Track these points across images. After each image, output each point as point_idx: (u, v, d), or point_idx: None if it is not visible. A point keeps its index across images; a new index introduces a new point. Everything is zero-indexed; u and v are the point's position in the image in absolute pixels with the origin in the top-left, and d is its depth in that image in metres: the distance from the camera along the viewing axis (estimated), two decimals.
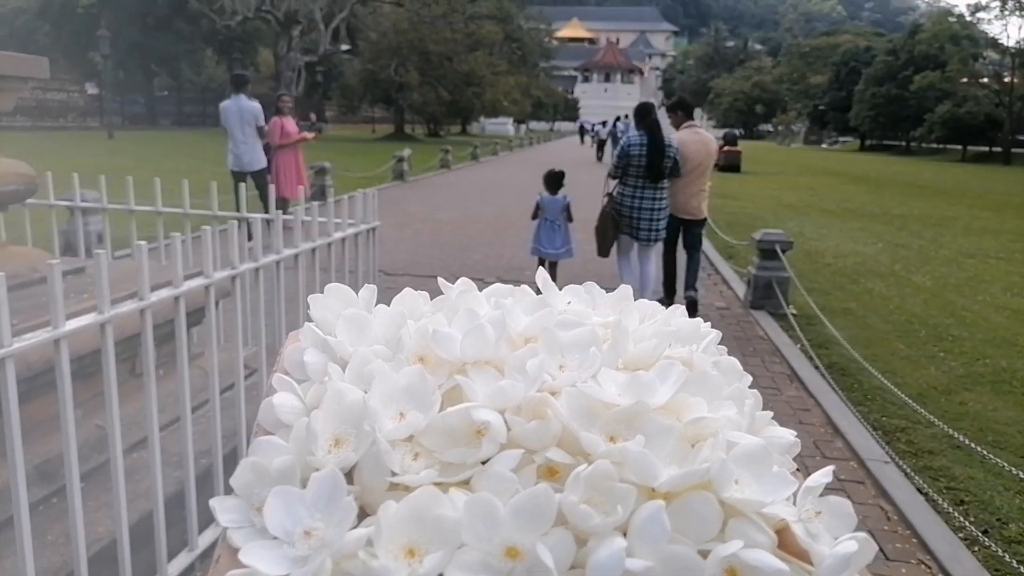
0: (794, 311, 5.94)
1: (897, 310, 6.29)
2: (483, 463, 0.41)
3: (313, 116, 48.00)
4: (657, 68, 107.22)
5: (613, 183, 5.68)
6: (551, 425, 0.41)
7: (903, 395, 3.95)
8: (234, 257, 2.52)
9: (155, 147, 24.29)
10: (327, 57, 40.61)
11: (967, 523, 2.79)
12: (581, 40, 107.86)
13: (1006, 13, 39.17)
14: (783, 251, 6.09)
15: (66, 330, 1.75)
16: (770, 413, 0.47)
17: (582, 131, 51.02)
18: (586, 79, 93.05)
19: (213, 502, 0.43)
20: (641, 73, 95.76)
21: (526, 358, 0.45)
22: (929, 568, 2.54)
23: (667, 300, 6.20)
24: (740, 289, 6.80)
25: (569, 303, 0.58)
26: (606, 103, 75.05)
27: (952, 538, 2.70)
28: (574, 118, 71.83)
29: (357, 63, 43.44)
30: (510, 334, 0.49)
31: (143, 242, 2.08)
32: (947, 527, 2.77)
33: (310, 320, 0.53)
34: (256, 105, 7.81)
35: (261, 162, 7.99)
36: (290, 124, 8.50)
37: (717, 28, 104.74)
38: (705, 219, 6.07)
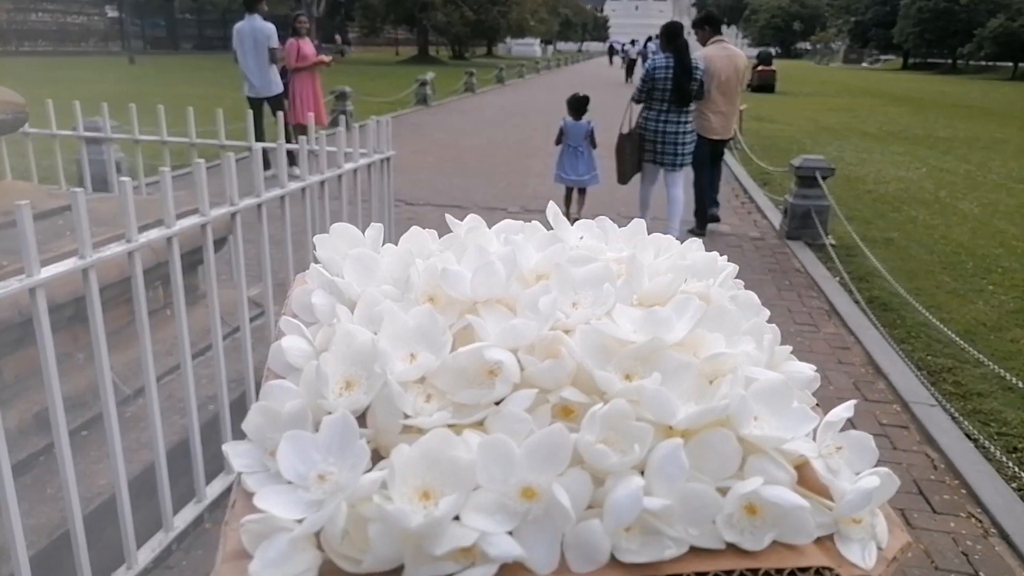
0: (833, 242, 5.65)
1: (943, 240, 5.96)
2: (496, 404, 0.39)
3: (338, 38, 46.92)
4: None
5: (637, 108, 5.49)
6: (565, 364, 0.40)
7: (949, 332, 3.72)
8: (232, 193, 2.34)
9: (176, 72, 23.93)
10: None
11: (1022, 473, 2.61)
12: None
13: None
14: (823, 178, 5.75)
15: (42, 277, 1.60)
16: (789, 348, 0.44)
17: (611, 51, 49.31)
18: None
19: (226, 447, 0.42)
20: None
21: (538, 296, 0.43)
22: (980, 522, 2.38)
23: (700, 230, 5.97)
24: (776, 218, 6.49)
25: (582, 238, 0.56)
26: (637, 22, 72.11)
27: (1005, 489, 2.53)
28: (603, 38, 69.35)
29: None
30: (521, 271, 0.48)
31: (127, 178, 1.90)
32: (999, 477, 2.59)
33: (317, 261, 0.52)
34: (270, 26, 7.46)
35: (277, 87, 7.69)
36: (307, 46, 8.15)
37: None
38: (732, 137, 6.01)
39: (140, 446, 2.27)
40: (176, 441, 2.32)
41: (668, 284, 0.48)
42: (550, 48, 62.16)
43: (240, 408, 2.50)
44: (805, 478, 0.39)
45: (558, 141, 5.94)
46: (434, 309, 0.45)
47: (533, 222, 0.53)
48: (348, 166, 3.16)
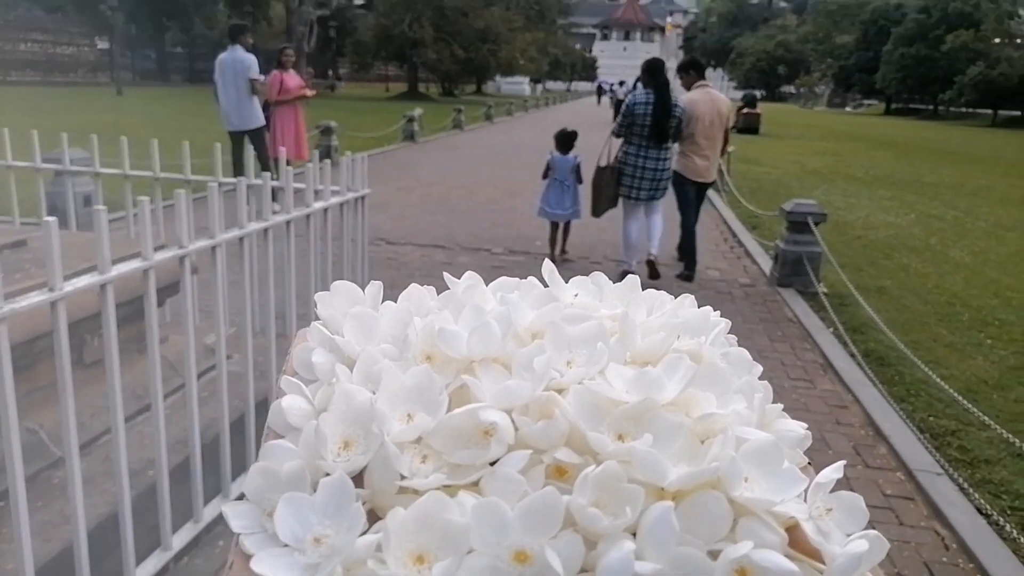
0: (825, 290, 5.49)
1: (936, 289, 5.82)
2: (492, 464, 0.40)
3: (331, 74, 47.23)
4: (679, 26, 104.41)
5: (617, 142, 5.60)
6: (559, 424, 0.41)
7: (951, 390, 3.53)
8: (182, 235, 2.13)
9: (163, 104, 23.85)
10: (340, 12, 39.72)
11: None
12: None
13: None
14: (816, 224, 5.61)
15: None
16: (780, 406, 0.44)
17: (599, 91, 49.89)
18: (605, 37, 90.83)
19: (225, 508, 0.43)
20: (662, 31, 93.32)
21: (533, 355, 0.44)
22: None
23: (688, 272, 5.82)
24: (766, 264, 6.35)
25: (576, 295, 0.56)
26: (625, 62, 73.22)
27: None
28: (592, 78, 70.33)
29: (371, 18, 42.44)
30: (516, 330, 0.48)
31: (51, 219, 1.68)
32: (1018, 560, 2.37)
33: (317, 318, 0.52)
34: (251, 57, 7.31)
35: (256, 120, 7.51)
36: (291, 79, 8.02)
37: None
38: (714, 180, 6.15)
39: (96, 505, 2.02)
40: (108, 514, 2.06)
41: (660, 342, 0.49)
42: (539, 87, 62.89)
43: (210, 455, 2.25)
44: (796, 540, 0.39)
45: (545, 175, 6.01)
46: (431, 368, 0.46)
47: (530, 278, 0.54)
48: (317, 205, 2.96)
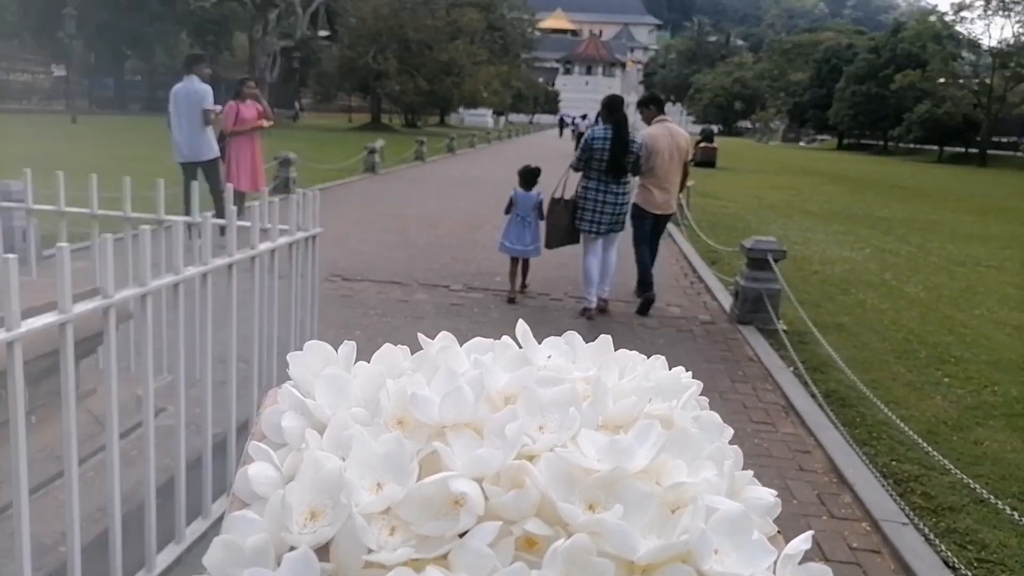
0: (784, 327, 5.49)
1: (893, 325, 5.86)
2: (461, 535, 0.40)
3: (298, 104, 47.01)
4: (639, 62, 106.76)
5: (575, 176, 5.67)
6: (529, 494, 0.41)
7: (911, 432, 3.50)
8: (107, 284, 1.98)
9: (118, 133, 23.39)
10: (304, 42, 39.65)
11: None
12: (564, 31, 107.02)
13: (989, 13, 39.23)
14: (775, 260, 5.62)
15: None
16: (750, 473, 0.45)
17: (562, 124, 50.51)
18: (567, 71, 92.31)
19: None
20: (623, 66, 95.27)
21: (505, 421, 0.44)
22: None
23: (643, 312, 5.82)
24: (725, 300, 6.34)
25: (549, 357, 0.56)
26: (587, 96, 74.34)
27: None
28: (554, 111, 71.25)
29: (335, 49, 42.47)
30: (489, 393, 0.49)
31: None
32: None
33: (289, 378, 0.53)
34: (205, 87, 7.14)
35: (210, 151, 7.31)
36: (248, 110, 7.86)
37: (700, 22, 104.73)
38: (673, 213, 6.26)
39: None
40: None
41: (632, 406, 0.49)
42: (502, 119, 63.42)
43: (133, 525, 2.05)
44: None
45: (508, 210, 6.02)
46: (403, 433, 0.46)
47: (504, 338, 0.53)
48: (263, 246, 2.82)
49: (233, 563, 0.40)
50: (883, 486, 3.13)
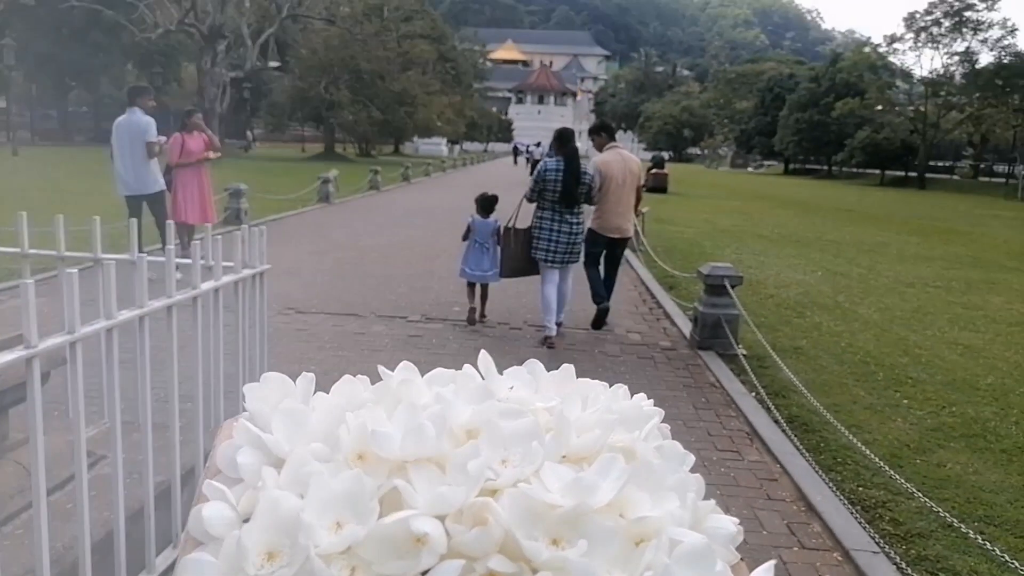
0: (744, 351, 5.49)
1: (849, 348, 5.92)
2: (423, 574, 0.39)
3: (250, 135, 46.36)
4: (589, 91, 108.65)
5: (529, 206, 5.79)
6: (492, 532, 0.40)
7: (875, 457, 3.49)
8: (30, 333, 1.81)
9: (61, 166, 22.72)
10: (255, 73, 39.28)
11: None
12: (515, 62, 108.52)
13: (919, 44, 41.06)
14: (732, 286, 5.64)
15: None
16: (712, 502, 0.44)
17: (515, 152, 50.92)
18: (520, 100, 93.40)
19: None
20: (574, 96, 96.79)
21: (468, 457, 0.43)
22: None
23: (596, 327, 6.06)
24: (685, 326, 6.33)
25: (512, 388, 0.55)
26: (540, 124, 75.22)
27: None
28: (508, 139, 71.86)
29: (286, 80, 42.19)
30: (451, 428, 0.47)
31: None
32: None
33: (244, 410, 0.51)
34: (147, 119, 6.93)
35: (155, 184, 7.08)
36: (193, 141, 7.64)
37: (647, 53, 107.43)
38: (630, 238, 6.30)
39: None
40: None
41: (595, 440, 0.48)
42: (457, 148, 63.69)
43: None
44: None
45: (465, 237, 6.08)
46: (363, 469, 0.44)
47: (466, 367, 0.53)
48: (207, 285, 2.67)
49: None
50: (852, 514, 3.09)
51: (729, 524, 0.47)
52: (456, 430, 0.49)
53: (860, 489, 3.39)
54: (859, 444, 3.61)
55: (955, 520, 2.86)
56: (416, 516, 0.41)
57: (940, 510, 2.92)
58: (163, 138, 7.29)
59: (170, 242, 2.63)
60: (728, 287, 5.61)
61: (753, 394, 4.66)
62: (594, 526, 0.41)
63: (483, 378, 0.57)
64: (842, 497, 3.25)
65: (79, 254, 3.07)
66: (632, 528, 0.42)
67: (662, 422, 0.58)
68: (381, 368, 0.53)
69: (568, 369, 0.57)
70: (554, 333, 5.61)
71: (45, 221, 3.05)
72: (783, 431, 4.01)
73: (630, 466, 0.45)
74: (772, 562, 0.40)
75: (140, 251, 2.56)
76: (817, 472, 3.49)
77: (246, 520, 0.43)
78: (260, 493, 0.43)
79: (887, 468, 3.34)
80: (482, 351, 0.55)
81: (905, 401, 4.66)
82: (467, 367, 0.56)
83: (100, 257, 3.01)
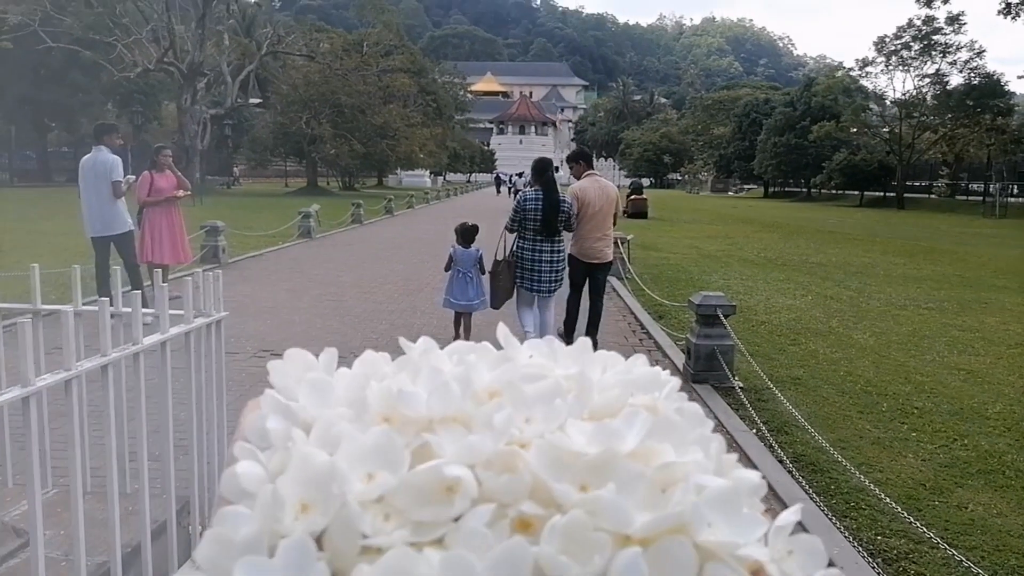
0: (741, 383, 5.25)
1: (849, 377, 5.69)
2: (456, 520, 0.38)
3: (236, 171, 46.02)
4: (569, 120, 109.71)
5: (512, 236, 5.86)
6: (522, 478, 0.39)
7: (891, 501, 3.24)
8: None
9: (40, 206, 22.34)
10: (236, 110, 39.19)
11: None
12: (496, 94, 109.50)
13: (891, 68, 41.73)
14: (725, 316, 5.41)
15: None
16: (736, 456, 0.41)
17: (498, 182, 50.99)
18: (501, 131, 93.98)
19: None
20: (555, 125, 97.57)
21: (493, 412, 0.42)
22: None
23: (567, 339, 5.57)
24: (677, 358, 6.09)
25: (531, 357, 0.51)
26: (522, 154, 75.57)
27: None
28: (491, 169, 72.06)
29: (268, 116, 42.13)
30: (475, 389, 0.45)
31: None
32: None
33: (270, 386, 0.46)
34: (113, 158, 6.67)
35: (123, 224, 6.79)
36: (163, 179, 7.39)
37: (624, 83, 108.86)
38: (611, 263, 6.32)
39: None
40: None
41: (616, 398, 0.46)
42: (440, 179, 63.78)
43: None
44: None
45: (447, 267, 6.13)
46: (391, 429, 0.42)
47: (484, 343, 0.48)
48: (151, 339, 2.40)
49: (225, 556, 0.36)
50: (873, 567, 2.82)
51: (753, 476, 0.44)
52: (479, 392, 0.48)
53: (879, 538, 3.12)
54: (871, 486, 3.36)
55: (984, 574, 2.61)
56: (447, 463, 0.41)
57: (969, 563, 2.67)
58: (131, 177, 7.03)
59: (109, 290, 2.37)
60: (721, 317, 5.39)
61: (754, 431, 4.40)
62: (621, 471, 0.41)
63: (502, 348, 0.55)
64: (860, 549, 2.98)
65: (18, 305, 2.82)
66: (658, 475, 0.42)
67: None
68: (402, 340, 0.50)
69: (585, 342, 0.54)
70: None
71: (7, 266, 2.77)
72: (789, 472, 3.75)
73: (653, 419, 0.45)
74: (799, 505, 0.37)
75: (103, 296, 2.31)
76: (830, 519, 3.23)
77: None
78: (291, 451, 0.43)
79: (905, 513, 3.09)
80: (500, 324, 0.52)
81: (914, 434, 4.42)
82: (485, 342, 0.54)
83: (40, 308, 2.75)
